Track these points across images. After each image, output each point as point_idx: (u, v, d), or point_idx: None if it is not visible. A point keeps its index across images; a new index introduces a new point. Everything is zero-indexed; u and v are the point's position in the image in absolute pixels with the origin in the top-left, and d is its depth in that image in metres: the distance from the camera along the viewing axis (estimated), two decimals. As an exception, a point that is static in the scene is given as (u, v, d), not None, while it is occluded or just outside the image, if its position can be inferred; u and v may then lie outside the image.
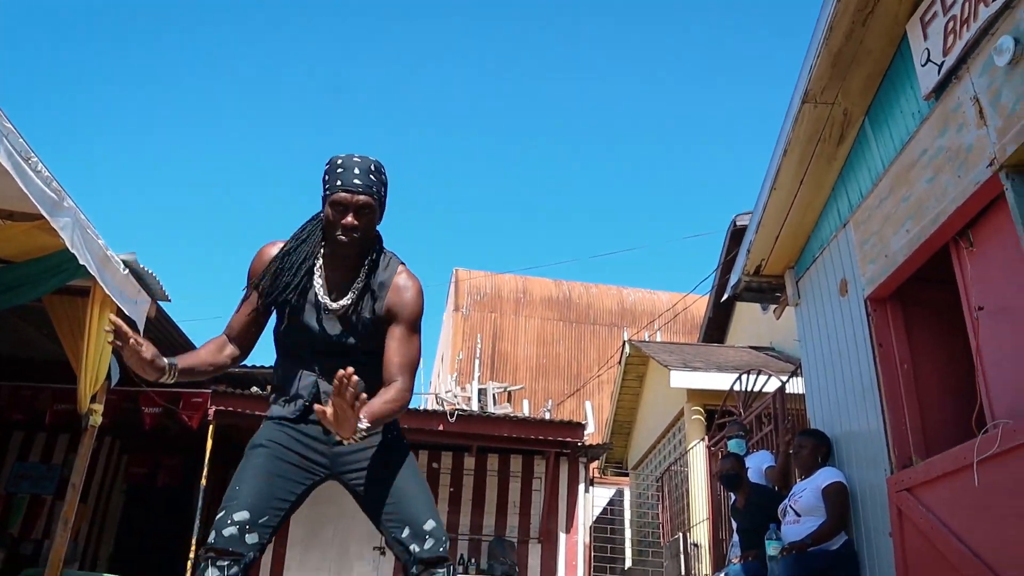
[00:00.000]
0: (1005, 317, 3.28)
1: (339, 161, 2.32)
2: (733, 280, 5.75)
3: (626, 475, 14.47)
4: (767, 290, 5.71)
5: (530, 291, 21.77)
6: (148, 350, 2.15)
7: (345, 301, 2.37)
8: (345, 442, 2.12)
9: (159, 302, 5.71)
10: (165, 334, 6.76)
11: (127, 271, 5.07)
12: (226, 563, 2.19)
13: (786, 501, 4.81)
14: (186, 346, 7.28)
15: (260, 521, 2.24)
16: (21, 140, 3.75)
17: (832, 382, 4.86)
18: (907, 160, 3.91)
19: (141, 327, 5.43)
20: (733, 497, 5.62)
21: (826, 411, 4.95)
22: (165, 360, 2.21)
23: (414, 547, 2.28)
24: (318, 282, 2.38)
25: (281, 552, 8.98)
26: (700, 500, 8.64)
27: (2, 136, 3.54)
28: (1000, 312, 3.31)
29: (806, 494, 4.59)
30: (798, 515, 4.60)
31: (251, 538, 2.22)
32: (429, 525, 2.30)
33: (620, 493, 13.59)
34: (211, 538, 2.20)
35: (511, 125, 53.10)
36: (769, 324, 11.21)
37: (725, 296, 6.10)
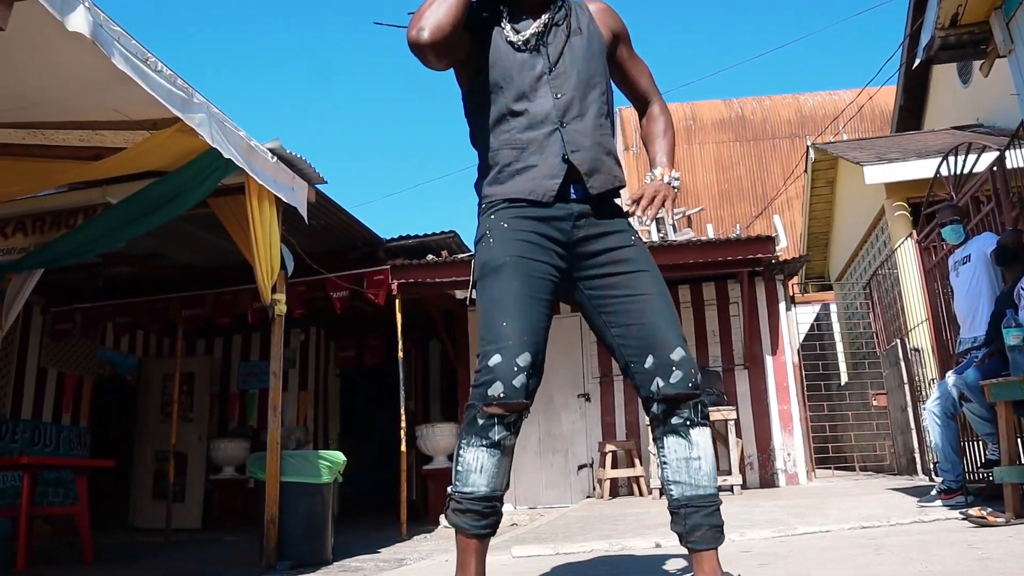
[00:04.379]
0: None
1: None
2: (924, 41, 4.92)
3: (829, 289, 13.76)
4: (968, 44, 4.84)
5: (700, 116, 20.64)
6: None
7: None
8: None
9: (316, 185, 5.69)
10: (332, 217, 6.80)
11: (275, 159, 5.04)
12: (512, 419, 1.92)
13: (1020, 284, 4.19)
14: (355, 227, 7.31)
15: (538, 361, 1.93)
16: (134, 42, 3.65)
17: (1065, 135, 4.09)
18: None
19: (304, 213, 5.45)
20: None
21: (1060, 171, 4.20)
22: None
23: (658, 381, 1.94)
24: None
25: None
26: (916, 301, 7.93)
27: (114, 40, 3.44)
28: None
29: (1046, 272, 3.96)
30: (1038, 296, 3.99)
31: (533, 383, 1.93)
32: (677, 354, 1.95)
33: (826, 308, 12.96)
34: (498, 391, 1.88)
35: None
36: (973, 99, 9.90)
37: (917, 61, 5.28)
